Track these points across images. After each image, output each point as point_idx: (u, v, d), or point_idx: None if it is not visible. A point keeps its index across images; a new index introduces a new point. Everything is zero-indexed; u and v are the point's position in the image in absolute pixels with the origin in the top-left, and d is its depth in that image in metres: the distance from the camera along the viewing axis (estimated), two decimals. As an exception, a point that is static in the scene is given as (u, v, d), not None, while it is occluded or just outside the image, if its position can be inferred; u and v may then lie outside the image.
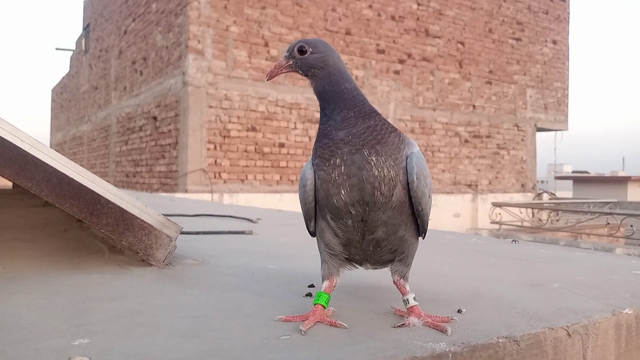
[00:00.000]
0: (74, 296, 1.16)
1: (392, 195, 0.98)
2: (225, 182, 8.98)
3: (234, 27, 9.03)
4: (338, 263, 1.07)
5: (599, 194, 16.90)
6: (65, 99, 18.86)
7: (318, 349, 0.85)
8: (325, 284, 1.06)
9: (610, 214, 8.44)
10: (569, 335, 1.05)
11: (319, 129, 1.04)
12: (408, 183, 1.00)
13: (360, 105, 1.03)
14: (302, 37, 10.42)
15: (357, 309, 1.11)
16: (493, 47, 12.41)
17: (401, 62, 10.92)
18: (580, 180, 23.92)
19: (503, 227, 10.11)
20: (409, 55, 11.03)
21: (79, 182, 1.34)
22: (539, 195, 13.28)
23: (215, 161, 8.89)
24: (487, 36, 12.30)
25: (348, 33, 10.14)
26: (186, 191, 8.52)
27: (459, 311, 1.10)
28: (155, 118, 9.99)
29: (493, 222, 10.16)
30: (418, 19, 11.18)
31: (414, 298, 1.05)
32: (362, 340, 0.90)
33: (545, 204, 11.64)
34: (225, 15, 8.92)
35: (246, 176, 9.21)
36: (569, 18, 14.19)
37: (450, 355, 0.88)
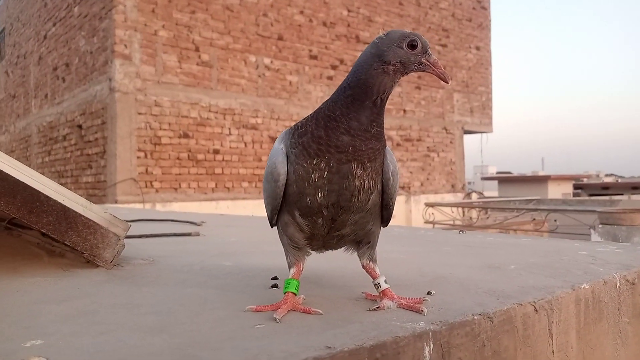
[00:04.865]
0: (18, 300, 1.05)
1: (369, 200, 0.97)
2: (157, 191, 8.67)
3: (162, 32, 8.76)
4: (302, 252, 1.04)
5: (522, 193, 17.74)
6: (-21, 109, 17.62)
7: (297, 335, 0.81)
8: (293, 270, 1.03)
9: (536, 210, 8.87)
10: (536, 310, 1.06)
11: (328, 110, 0.94)
12: (383, 184, 0.99)
13: (382, 126, 0.96)
14: (234, 42, 10.18)
15: (327, 296, 1.07)
16: (421, 52, 12.76)
17: (334, 67, 11.02)
18: (505, 180, 25.04)
19: (436, 226, 10.39)
20: (341, 61, 11.15)
21: (14, 178, 1.22)
22: (469, 195, 13.79)
23: (147, 170, 8.56)
24: (415, 42, 12.63)
25: (280, 38, 10.11)
26: (116, 202, 8.15)
27: (429, 293, 1.10)
28: (80, 126, 9.52)
29: (427, 222, 10.42)
30: (349, 25, 11.34)
31: (385, 281, 1.03)
32: (341, 325, 0.86)
33: (474, 203, 12.08)
34: (153, 19, 8.65)
35: (179, 184, 8.94)
36: (490, 25, 14.88)
37: (431, 333, 0.87)
